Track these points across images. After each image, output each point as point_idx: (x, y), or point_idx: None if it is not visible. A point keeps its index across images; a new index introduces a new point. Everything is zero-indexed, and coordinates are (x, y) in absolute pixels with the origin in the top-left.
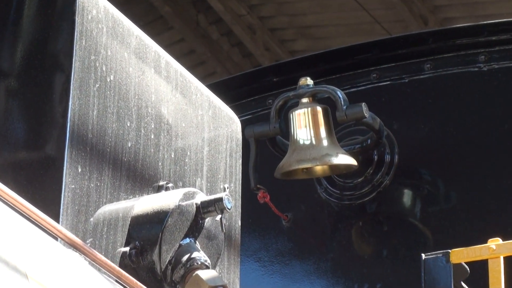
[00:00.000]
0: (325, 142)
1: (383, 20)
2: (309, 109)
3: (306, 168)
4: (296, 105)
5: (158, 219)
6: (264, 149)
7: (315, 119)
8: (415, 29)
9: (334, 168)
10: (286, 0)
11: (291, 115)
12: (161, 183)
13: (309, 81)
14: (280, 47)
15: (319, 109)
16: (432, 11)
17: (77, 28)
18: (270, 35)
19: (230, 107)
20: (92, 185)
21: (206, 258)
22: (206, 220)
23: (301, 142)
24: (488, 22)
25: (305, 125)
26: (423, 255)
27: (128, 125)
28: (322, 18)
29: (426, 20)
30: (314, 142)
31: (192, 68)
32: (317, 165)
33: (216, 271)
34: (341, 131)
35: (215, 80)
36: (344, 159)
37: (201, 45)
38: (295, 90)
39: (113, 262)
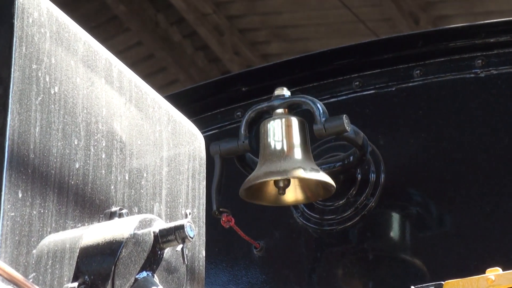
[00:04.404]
0: (298, 155)
1: (367, 18)
2: (283, 120)
3: (279, 188)
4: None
5: (110, 250)
6: (232, 167)
7: (288, 131)
8: (405, 29)
9: (311, 194)
10: None
11: (262, 126)
12: (113, 209)
13: (286, 92)
14: (251, 50)
15: (294, 120)
16: (423, 8)
17: (16, 33)
18: (239, 37)
19: (193, 121)
20: (34, 212)
21: None
22: (166, 250)
23: (272, 154)
24: (486, 22)
25: (278, 136)
26: (412, 287)
27: (76, 143)
28: (299, 17)
29: (416, 18)
30: (286, 153)
31: (150, 75)
32: (286, 178)
33: None
34: (319, 147)
35: (177, 89)
36: (320, 176)
37: (161, 49)
38: (269, 101)
39: None
